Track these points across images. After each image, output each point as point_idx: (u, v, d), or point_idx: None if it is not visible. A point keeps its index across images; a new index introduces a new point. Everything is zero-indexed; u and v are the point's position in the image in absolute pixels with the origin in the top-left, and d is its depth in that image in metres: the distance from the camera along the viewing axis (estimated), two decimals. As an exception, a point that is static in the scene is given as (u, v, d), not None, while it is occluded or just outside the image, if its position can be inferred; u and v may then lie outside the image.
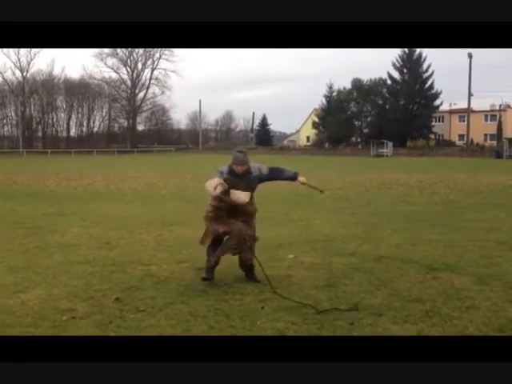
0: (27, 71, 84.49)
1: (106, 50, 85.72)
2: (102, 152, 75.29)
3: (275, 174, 6.60)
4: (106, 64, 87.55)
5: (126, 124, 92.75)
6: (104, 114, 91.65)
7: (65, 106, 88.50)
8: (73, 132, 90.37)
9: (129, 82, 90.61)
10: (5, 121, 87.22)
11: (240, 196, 5.99)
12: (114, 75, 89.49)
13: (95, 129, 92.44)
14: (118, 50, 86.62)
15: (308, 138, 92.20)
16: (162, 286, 6.10)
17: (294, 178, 6.66)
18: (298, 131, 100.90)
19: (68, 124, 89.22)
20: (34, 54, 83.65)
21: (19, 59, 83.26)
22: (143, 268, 6.93)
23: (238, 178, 6.13)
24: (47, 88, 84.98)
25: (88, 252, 7.97)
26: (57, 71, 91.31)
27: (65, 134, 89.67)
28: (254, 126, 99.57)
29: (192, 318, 4.97)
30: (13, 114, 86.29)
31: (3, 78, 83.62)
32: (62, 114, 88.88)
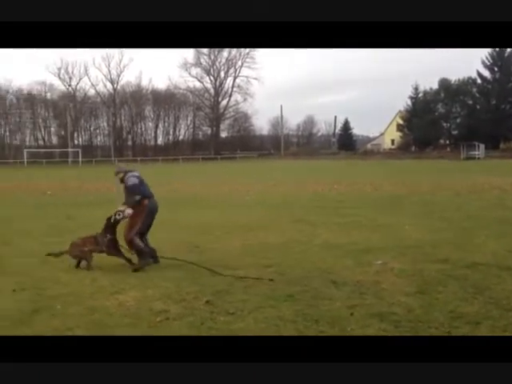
0: (117, 83, 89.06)
1: (190, 60, 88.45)
2: (187, 159, 77.63)
3: (130, 189, 7.56)
4: (190, 74, 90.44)
5: (209, 131, 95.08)
6: (189, 122, 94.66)
7: (152, 116, 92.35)
8: (160, 140, 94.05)
9: (212, 91, 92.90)
10: (97, 131, 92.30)
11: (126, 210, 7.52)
12: (197, 84, 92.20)
13: (181, 137, 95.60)
14: (202, 59, 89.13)
15: (393, 141, 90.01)
16: (250, 289, 6.16)
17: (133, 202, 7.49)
18: (382, 134, 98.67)
19: (155, 133, 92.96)
20: (124, 67, 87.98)
21: (110, 72, 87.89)
22: (231, 272, 7.03)
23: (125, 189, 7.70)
24: (136, 99, 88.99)
25: (179, 255, 8.20)
26: (144, 83, 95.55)
27: (152, 143, 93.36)
28: (336, 131, 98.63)
29: (281, 322, 4.99)
30: (105, 124, 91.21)
31: (96, 91, 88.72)
32: (150, 124, 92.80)
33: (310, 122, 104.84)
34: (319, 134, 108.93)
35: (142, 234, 7.64)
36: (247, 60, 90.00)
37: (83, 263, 7.51)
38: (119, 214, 7.49)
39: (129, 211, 7.40)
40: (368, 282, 6.31)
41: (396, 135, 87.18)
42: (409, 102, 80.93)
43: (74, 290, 6.28)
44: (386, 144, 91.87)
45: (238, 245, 9.16)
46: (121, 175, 7.75)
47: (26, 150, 74.98)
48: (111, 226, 7.59)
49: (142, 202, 7.52)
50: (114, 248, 7.60)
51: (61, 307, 5.58)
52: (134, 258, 7.55)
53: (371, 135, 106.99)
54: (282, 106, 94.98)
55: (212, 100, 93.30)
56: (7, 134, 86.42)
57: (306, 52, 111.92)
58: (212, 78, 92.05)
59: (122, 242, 7.72)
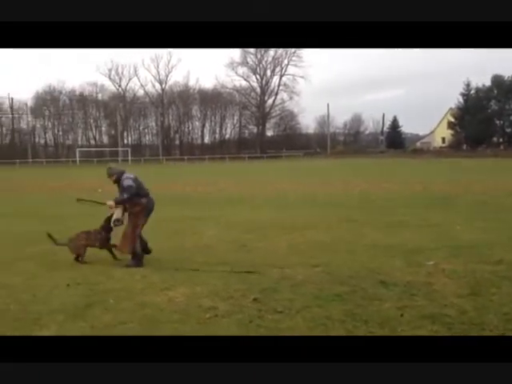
0: (165, 83, 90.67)
1: (237, 59, 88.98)
2: (234, 158, 78.13)
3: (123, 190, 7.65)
4: (236, 73, 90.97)
5: (255, 130, 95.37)
6: (235, 121, 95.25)
7: (199, 115, 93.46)
8: (206, 139, 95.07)
9: (258, 90, 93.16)
10: (146, 130, 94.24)
11: (117, 212, 7.82)
12: (244, 83, 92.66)
13: (227, 136, 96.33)
14: (248, 58, 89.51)
15: (443, 139, 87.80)
16: (297, 288, 6.14)
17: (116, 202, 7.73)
18: (432, 132, 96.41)
19: (202, 132, 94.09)
20: (172, 68, 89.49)
21: (158, 73, 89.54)
22: (278, 271, 7.04)
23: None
24: (183, 99, 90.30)
25: (225, 254, 8.29)
26: (192, 82, 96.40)
27: (199, 142, 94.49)
28: (384, 129, 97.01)
29: (329, 321, 4.95)
30: (153, 124, 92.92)
31: (144, 91, 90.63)
32: (197, 123, 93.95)
33: (357, 120, 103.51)
34: (366, 132, 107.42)
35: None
36: (293, 58, 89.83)
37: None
38: (117, 222, 7.77)
39: (110, 203, 7.72)
40: (419, 283, 6.19)
41: (447, 133, 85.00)
42: (460, 99, 78.94)
43: (125, 285, 6.43)
44: (437, 142, 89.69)
45: (284, 244, 9.16)
46: (114, 177, 7.89)
47: (78, 149, 77.31)
48: (109, 227, 7.91)
49: (139, 201, 7.71)
50: (105, 244, 8.03)
51: (113, 302, 5.72)
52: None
53: (421, 133, 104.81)
54: (328, 104, 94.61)
55: (258, 99, 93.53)
56: (60, 133, 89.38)
57: (354, 49, 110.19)
58: (258, 76, 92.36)
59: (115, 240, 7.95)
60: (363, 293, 5.87)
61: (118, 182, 7.84)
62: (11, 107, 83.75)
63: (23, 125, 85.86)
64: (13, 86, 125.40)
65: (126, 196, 7.58)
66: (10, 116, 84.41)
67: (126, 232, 7.73)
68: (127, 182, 7.64)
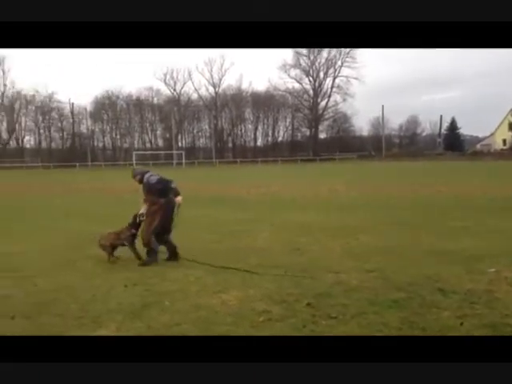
0: (219, 87, 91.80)
1: (290, 62, 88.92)
2: (286, 161, 78.12)
3: (160, 184, 8.06)
4: (289, 75, 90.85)
5: (308, 133, 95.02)
6: (287, 123, 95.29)
7: (252, 118, 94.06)
8: (259, 142, 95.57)
9: (311, 92, 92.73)
10: (200, 133, 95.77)
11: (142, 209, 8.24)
12: (297, 85, 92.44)
13: (279, 138, 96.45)
14: (301, 60, 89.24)
15: (504, 141, 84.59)
16: (352, 294, 6.05)
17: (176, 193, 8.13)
18: (492, 134, 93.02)
19: (255, 134, 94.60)
20: (225, 71, 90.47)
21: (212, 76, 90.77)
22: (332, 275, 6.96)
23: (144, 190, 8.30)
24: (236, 101, 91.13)
25: (279, 257, 8.28)
26: (245, 85, 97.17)
27: (252, 144, 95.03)
28: (442, 130, 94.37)
29: (385, 328, 4.84)
30: (207, 127, 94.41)
31: (198, 95, 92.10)
32: (250, 125, 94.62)
33: (413, 122, 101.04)
34: (423, 134, 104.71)
35: (165, 232, 8.09)
36: (347, 59, 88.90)
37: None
38: (142, 217, 8.16)
39: (179, 199, 8.11)
40: (479, 291, 5.96)
41: (508, 135, 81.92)
42: (522, 99, 75.84)
43: (180, 287, 6.52)
44: (497, 144, 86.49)
45: (338, 247, 9.05)
46: (138, 177, 8.32)
47: (134, 153, 79.28)
48: (136, 223, 8.20)
49: (158, 200, 8.01)
50: (132, 241, 8.26)
51: (169, 303, 5.81)
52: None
53: (481, 135, 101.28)
54: (383, 106, 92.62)
55: (311, 101, 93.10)
56: (118, 137, 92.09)
57: (410, 49, 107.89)
58: (311, 78, 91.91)
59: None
60: (421, 300, 5.71)
61: (141, 181, 8.24)
62: (72, 112, 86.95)
63: (83, 129, 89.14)
64: (73, 92, 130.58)
65: (173, 185, 8.11)
66: (71, 120, 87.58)
67: (142, 229, 8.12)
68: (154, 178, 8.07)
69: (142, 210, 8.17)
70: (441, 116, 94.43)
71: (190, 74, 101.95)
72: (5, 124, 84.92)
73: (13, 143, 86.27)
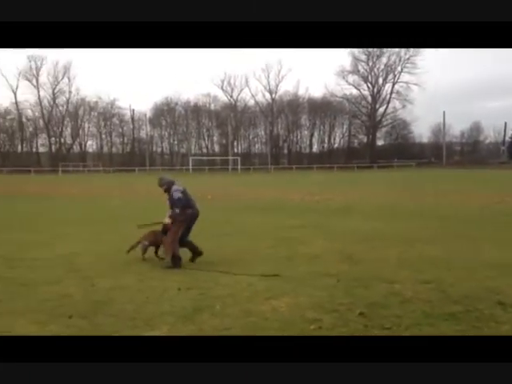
0: (275, 93, 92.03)
1: (348, 68, 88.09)
2: (342, 167, 77.34)
3: (173, 203, 8.28)
4: (347, 81, 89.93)
5: (365, 139, 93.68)
6: (344, 130, 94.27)
7: (308, 124, 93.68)
8: (315, 148, 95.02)
9: (369, 98, 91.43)
10: (256, 139, 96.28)
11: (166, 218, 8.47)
12: (354, 92, 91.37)
13: (335, 145, 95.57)
14: (359, 66, 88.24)
15: None
16: (406, 305, 5.89)
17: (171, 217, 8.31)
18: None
19: (310, 141, 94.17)
20: (282, 77, 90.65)
21: (269, 83, 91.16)
22: (386, 285, 6.81)
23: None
24: (293, 108, 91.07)
25: (331, 265, 8.18)
26: (301, 91, 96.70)
27: (307, 151, 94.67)
28: (507, 138, 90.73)
29: (440, 342, 4.68)
30: (262, 133, 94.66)
31: (255, 101, 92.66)
32: (306, 132, 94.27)
33: (475, 129, 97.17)
34: (486, 141, 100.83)
35: (183, 235, 8.38)
36: (407, 65, 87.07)
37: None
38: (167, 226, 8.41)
39: (167, 220, 8.29)
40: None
41: None
42: None
43: (232, 292, 6.56)
44: None
45: (393, 257, 8.84)
46: (164, 187, 8.53)
47: (191, 158, 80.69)
48: (165, 229, 8.43)
49: (184, 211, 8.26)
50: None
51: (220, 308, 5.86)
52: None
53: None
54: (444, 112, 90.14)
55: (369, 107, 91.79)
56: (175, 142, 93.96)
57: (473, 53, 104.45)
58: (369, 84, 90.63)
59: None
60: (479, 313, 5.49)
61: (168, 191, 8.47)
62: (132, 118, 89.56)
63: (142, 134, 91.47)
64: (134, 98, 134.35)
65: (177, 211, 8.20)
66: (131, 126, 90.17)
67: (167, 238, 8.30)
68: (176, 195, 8.26)
69: (167, 219, 8.38)
70: (505, 123, 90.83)
71: (247, 81, 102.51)
72: (69, 129, 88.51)
73: (76, 148, 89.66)
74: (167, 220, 8.35)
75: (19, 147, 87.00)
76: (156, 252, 8.83)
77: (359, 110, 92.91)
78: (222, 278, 7.37)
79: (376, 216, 15.50)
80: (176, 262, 8.20)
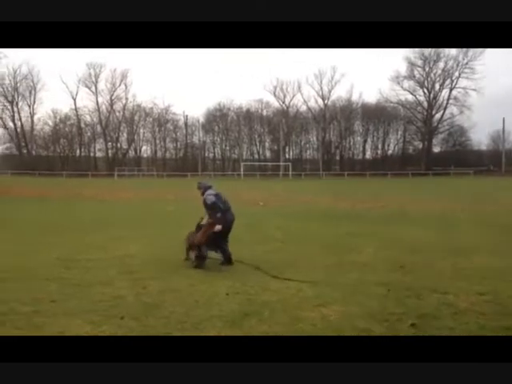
0: (328, 99, 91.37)
1: (403, 73, 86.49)
2: (396, 175, 75.82)
3: (209, 207, 8.63)
4: (402, 87, 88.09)
5: (420, 146, 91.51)
6: (399, 136, 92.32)
7: (361, 130, 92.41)
8: (368, 155, 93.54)
9: (425, 104, 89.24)
10: (307, 145, 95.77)
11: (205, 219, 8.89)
12: (410, 97, 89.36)
13: (389, 151, 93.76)
14: (415, 71, 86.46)
15: None
16: (459, 317, 5.71)
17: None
18: None
19: (364, 147, 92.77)
20: (335, 83, 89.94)
21: (321, 88, 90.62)
22: (439, 296, 6.63)
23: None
24: (345, 113, 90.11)
25: (383, 274, 8.03)
26: (355, 97, 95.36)
27: (360, 157, 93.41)
28: None
29: (496, 357, 4.51)
30: (314, 139, 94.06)
31: (307, 107, 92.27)
32: (359, 138, 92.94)
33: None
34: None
35: (221, 239, 8.63)
36: (465, 70, 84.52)
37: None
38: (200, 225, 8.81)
39: (218, 228, 8.44)
40: None
41: None
42: None
43: (281, 298, 6.54)
44: None
45: (447, 267, 8.59)
46: (202, 190, 8.89)
47: (242, 163, 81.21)
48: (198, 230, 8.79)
49: (213, 216, 8.55)
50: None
51: (268, 314, 5.85)
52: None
53: None
54: (504, 119, 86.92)
55: (425, 113, 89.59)
56: (227, 148, 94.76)
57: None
58: (426, 90, 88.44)
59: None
60: (538, 329, 5.25)
61: (203, 194, 8.84)
62: (185, 123, 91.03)
63: (195, 140, 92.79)
64: (188, 104, 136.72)
65: (219, 215, 8.47)
66: (185, 132, 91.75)
67: (196, 238, 8.60)
68: (210, 199, 8.59)
69: (205, 220, 8.72)
70: None
71: (299, 87, 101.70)
72: (125, 135, 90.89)
73: (131, 153, 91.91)
74: (218, 227, 8.48)
75: (78, 152, 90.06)
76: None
77: (414, 116, 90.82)
78: (271, 283, 7.37)
79: (431, 224, 15.11)
80: (201, 262, 8.47)
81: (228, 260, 8.79)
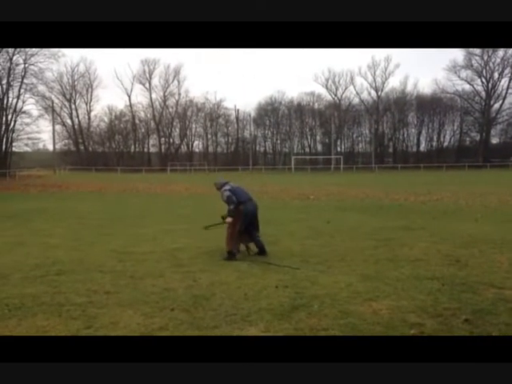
0: (382, 90, 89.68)
1: (460, 63, 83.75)
2: (452, 167, 73.70)
3: (226, 201, 8.95)
4: (459, 76, 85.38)
5: (478, 137, 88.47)
6: (455, 127, 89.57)
7: (415, 122, 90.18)
8: (422, 147, 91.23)
9: (483, 94, 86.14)
10: (359, 138, 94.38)
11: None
12: (467, 87, 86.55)
13: (445, 143, 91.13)
14: (473, 61, 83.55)
15: None
16: (518, 313, 5.48)
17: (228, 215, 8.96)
18: None
19: (418, 139, 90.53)
20: (389, 74, 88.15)
21: (375, 80, 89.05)
22: (496, 291, 6.39)
23: None
24: (399, 105, 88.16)
25: (436, 268, 7.82)
26: (409, 88, 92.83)
27: (414, 149, 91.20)
28: None
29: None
30: (367, 131, 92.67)
31: (360, 99, 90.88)
32: (413, 130, 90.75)
33: None
34: None
35: (252, 230, 9.04)
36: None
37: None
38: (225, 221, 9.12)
39: (228, 220, 8.90)
40: None
41: None
42: None
43: (329, 292, 6.48)
44: None
45: (505, 261, 8.27)
46: (218, 187, 9.25)
47: (293, 157, 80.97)
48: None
49: (238, 207, 8.82)
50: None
51: (317, 307, 5.81)
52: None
53: None
54: None
55: (482, 103, 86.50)
56: (278, 142, 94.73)
57: None
58: (484, 79, 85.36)
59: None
60: None
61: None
62: (237, 118, 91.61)
63: (246, 134, 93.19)
64: (239, 99, 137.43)
65: (232, 207, 8.81)
66: (236, 126, 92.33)
67: (227, 233, 8.93)
68: (226, 194, 8.91)
69: (228, 218, 8.95)
70: None
71: (352, 79, 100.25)
72: (178, 130, 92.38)
73: (184, 148, 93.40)
74: (228, 219, 8.89)
75: (132, 148, 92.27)
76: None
77: (472, 107, 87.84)
78: (321, 277, 7.31)
79: (487, 218, 14.60)
80: (231, 256, 8.69)
81: (262, 250, 9.03)
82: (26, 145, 61.58)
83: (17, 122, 57.98)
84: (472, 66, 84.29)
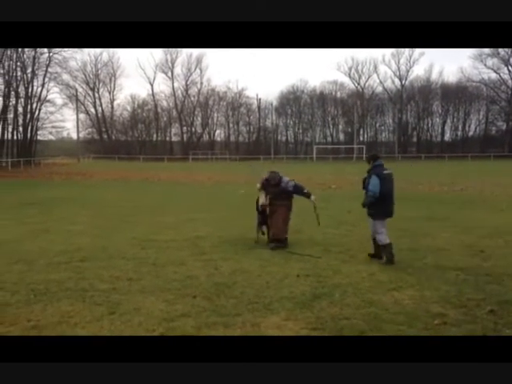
0: (406, 79, 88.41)
1: (486, 51, 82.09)
2: (477, 157, 72.49)
3: (296, 190, 9.02)
4: (485, 65, 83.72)
5: (504, 127, 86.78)
6: (481, 116, 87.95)
7: (440, 111, 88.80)
8: (447, 137, 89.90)
9: (510, 82, 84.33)
10: (383, 127, 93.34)
11: (261, 198, 9.17)
12: (493, 76, 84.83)
13: (470, 133, 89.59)
14: (500, 49, 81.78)
15: None
16: (545, 305, 5.38)
17: (308, 195, 9.01)
18: None
19: (443, 129, 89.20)
20: (413, 62, 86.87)
21: (399, 68, 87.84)
22: (522, 283, 6.28)
23: (273, 186, 9.04)
24: (424, 94, 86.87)
25: (460, 258, 7.72)
26: (434, 76, 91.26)
27: (439, 139, 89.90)
28: None
29: None
30: (390, 120, 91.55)
31: (383, 88, 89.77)
32: (437, 119, 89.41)
33: None
34: None
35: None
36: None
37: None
38: (262, 207, 9.18)
39: (263, 201, 9.10)
40: None
41: None
42: None
43: (352, 281, 6.45)
44: None
45: (532, 253, 8.12)
46: (276, 180, 9.10)
47: (315, 147, 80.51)
48: (263, 210, 9.19)
49: (291, 198, 9.04)
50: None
51: (339, 296, 5.78)
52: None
53: None
54: None
55: (509, 92, 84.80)
56: (300, 131, 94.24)
57: None
58: (510, 67, 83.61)
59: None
60: None
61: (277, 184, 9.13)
62: (259, 107, 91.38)
63: (268, 123, 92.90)
64: (261, 88, 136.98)
65: (306, 190, 9.05)
66: (258, 115, 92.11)
67: (278, 222, 8.87)
68: (291, 184, 8.98)
69: (261, 200, 9.12)
70: None
71: (375, 67, 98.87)
72: (199, 119, 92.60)
73: (205, 137, 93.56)
74: (265, 201, 9.03)
75: (154, 136, 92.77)
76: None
77: (498, 95, 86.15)
78: (343, 266, 7.28)
79: (513, 209, 14.34)
80: (280, 244, 8.75)
81: (284, 242, 9.05)
82: (51, 133, 62.46)
83: (41, 111, 58.80)
84: (499, 54, 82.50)
